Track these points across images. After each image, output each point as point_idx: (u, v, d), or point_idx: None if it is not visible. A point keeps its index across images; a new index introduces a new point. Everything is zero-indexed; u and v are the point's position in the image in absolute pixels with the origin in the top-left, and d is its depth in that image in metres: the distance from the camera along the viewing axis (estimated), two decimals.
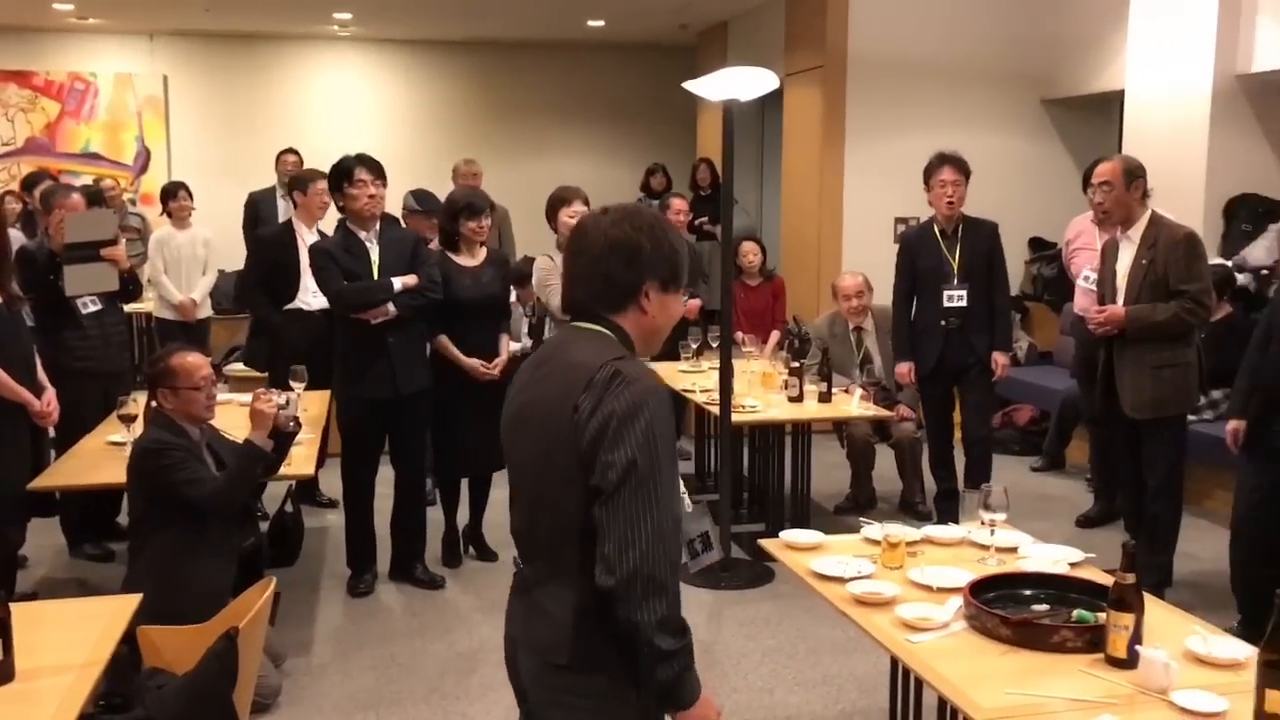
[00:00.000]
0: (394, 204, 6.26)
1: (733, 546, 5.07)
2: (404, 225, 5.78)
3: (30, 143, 10.85)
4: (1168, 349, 4.49)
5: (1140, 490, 4.68)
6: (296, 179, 5.96)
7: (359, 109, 11.55)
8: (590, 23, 10.33)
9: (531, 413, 2.00)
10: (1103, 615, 2.32)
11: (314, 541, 5.44)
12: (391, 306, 4.61)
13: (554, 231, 5.26)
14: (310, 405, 4.84)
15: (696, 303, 6.55)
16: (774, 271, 7.28)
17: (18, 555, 4.58)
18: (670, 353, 6.21)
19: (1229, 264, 5.77)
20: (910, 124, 7.79)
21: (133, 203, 10.42)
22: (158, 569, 3.42)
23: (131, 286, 5.28)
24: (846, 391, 5.52)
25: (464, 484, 5.25)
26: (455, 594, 4.90)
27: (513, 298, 5.58)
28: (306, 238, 5.61)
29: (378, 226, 4.72)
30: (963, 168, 5.32)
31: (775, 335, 6.80)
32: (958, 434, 5.63)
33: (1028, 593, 2.61)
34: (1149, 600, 2.45)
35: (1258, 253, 5.56)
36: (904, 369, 5.51)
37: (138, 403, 4.16)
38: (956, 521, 4.01)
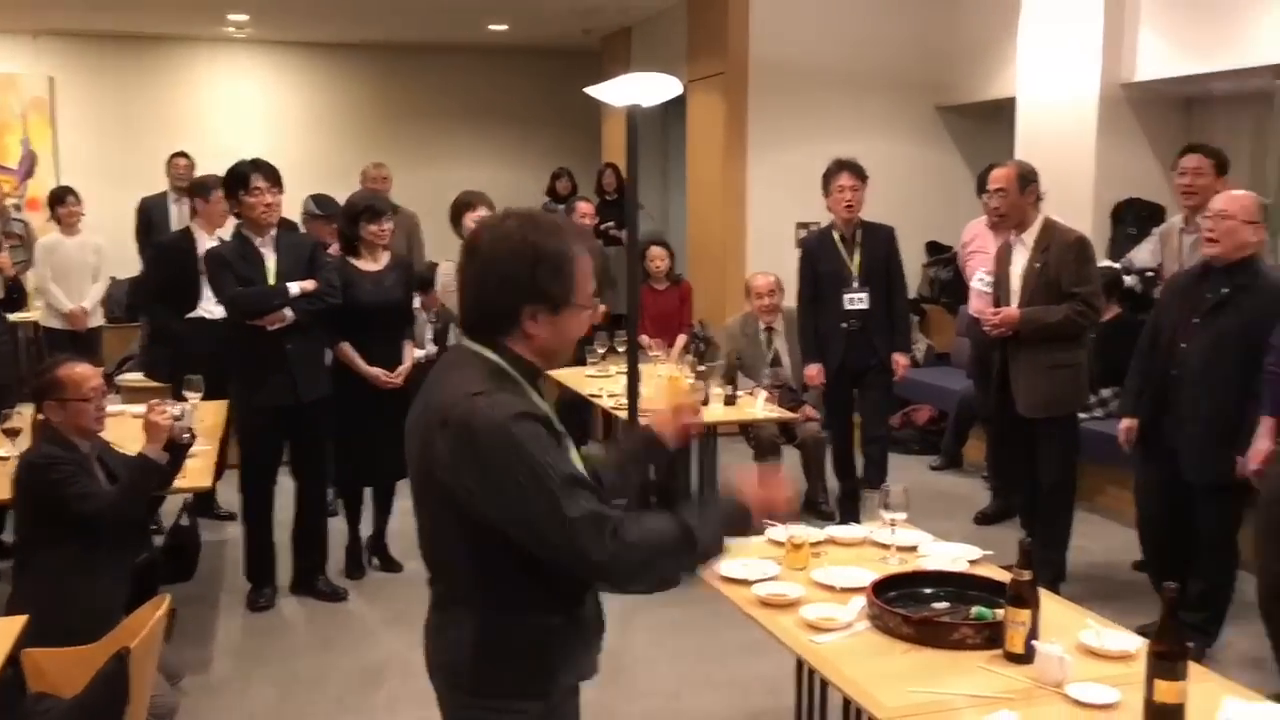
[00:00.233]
0: (295, 209, 6.15)
1: None
2: (304, 230, 5.67)
3: None
4: (1060, 350, 4.61)
5: (1035, 487, 4.80)
6: (198, 185, 5.81)
7: (256, 112, 11.30)
8: (491, 26, 10.27)
9: (411, 437, 1.95)
10: (1001, 612, 2.38)
11: (212, 555, 5.29)
12: (289, 312, 4.51)
13: (459, 237, 5.21)
14: (206, 415, 4.70)
15: (602, 309, 6.54)
16: (681, 276, 7.33)
17: None
18: (577, 358, 6.20)
19: (1117, 266, 5.96)
20: (811, 130, 7.90)
21: (17, 208, 10.03)
22: (45, 588, 3.29)
23: (15, 295, 5.08)
24: (751, 394, 5.57)
25: (367, 493, 5.16)
26: (359, 606, 4.81)
27: (417, 304, 5.52)
28: (206, 244, 5.46)
29: (274, 232, 4.62)
30: (860, 174, 5.42)
31: (681, 339, 6.83)
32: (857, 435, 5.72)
33: (928, 591, 2.66)
34: (1045, 595, 2.51)
35: (1143, 255, 5.75)
36: (813, 370, 5.58)
37: (23, 416, 4.00)
38: (859, 521, 4.08)
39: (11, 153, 10.62)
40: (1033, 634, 2.29)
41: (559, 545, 1.81)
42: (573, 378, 5.90)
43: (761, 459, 5.99)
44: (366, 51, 11.49)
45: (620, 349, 5.65)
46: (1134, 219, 6.43)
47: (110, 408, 3.64)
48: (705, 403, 5.31)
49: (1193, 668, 2.12)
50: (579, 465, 1.91)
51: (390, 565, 5.17)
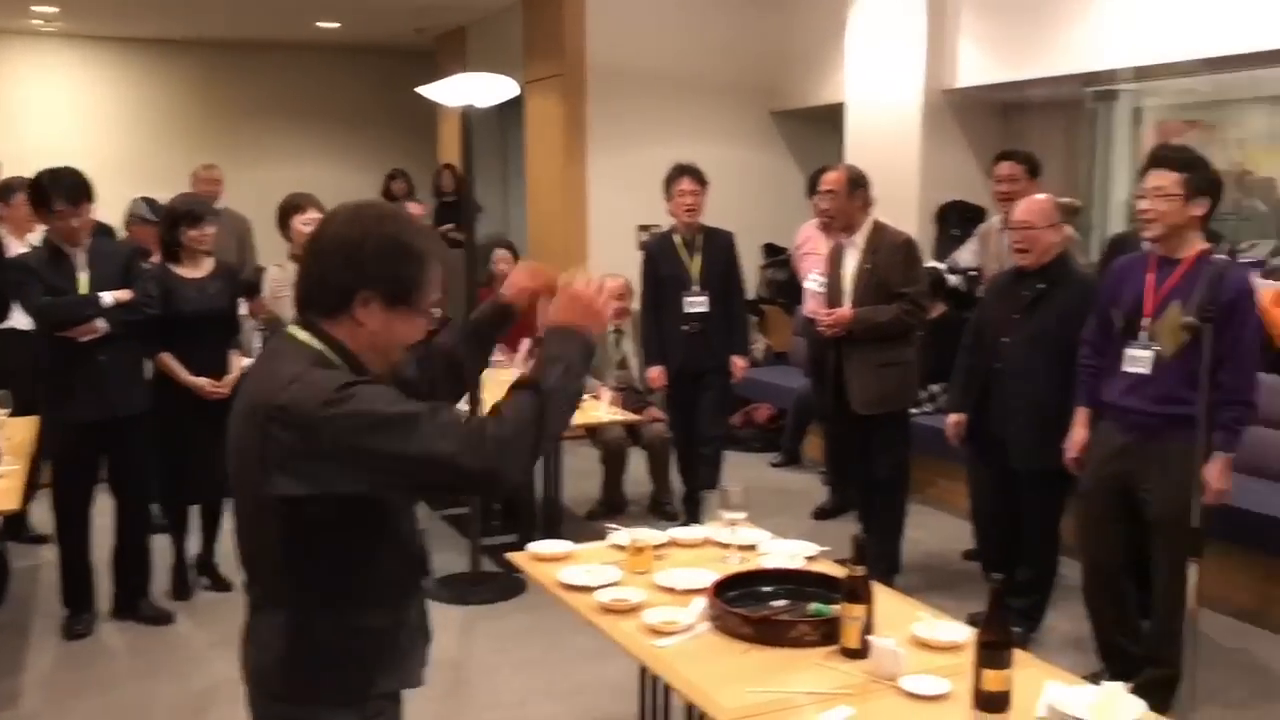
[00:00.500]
0: (113, 212, 5.83)
1: (483, 559, 4.99)
2: (129, 234, 5.38)
3: None
4: (890, 348, 4.74)
5: (870, 481, 4.92)
6: (1, 188, 5.45)
7: (70, 110, 10.69)
8: (321, 24, 9.98)
9: (232, 430, 1.85)
10: (837, 607, 2.41)
11: (23, 582, 4.97)
12: (102, 323, 4.26)
13: (287, 240, 5.03)
14: (15, 432, 4.40)
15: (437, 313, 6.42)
16: None
17: None
18: None
19: (942, 267, 6.18)
20: (650, 133, 7.95)
21: None
22: None
23: None
24: (597, 396, 5.55)
25: (194, 510, 4.92)
26: (187, 629, 4.58)
27: (243, 310, 5.30)
28: (16, 250, 5.12)
29: (88, 240, 4.35)
30: (701, 179, 5.47)
31: (526, 343, 6.74)
32: None
33: (768, 589, 2.68)
34: (879, 589, 2.55)
35: (965, 255, 5.98)
36: (655, 373, 5.59)
37: None
38: (701, 522, 4.11)
39: None
40: (867, 628, 2.33)
41: (448, 481, 1.79)
42: None
43: (607, 462, 5.99)
44: (190, 48, 11.02)
45: None
46: (957, 220, 6.69)
47: None
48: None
49: (1018, 654, 2.18)
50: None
51: (220, 584, 4.94)
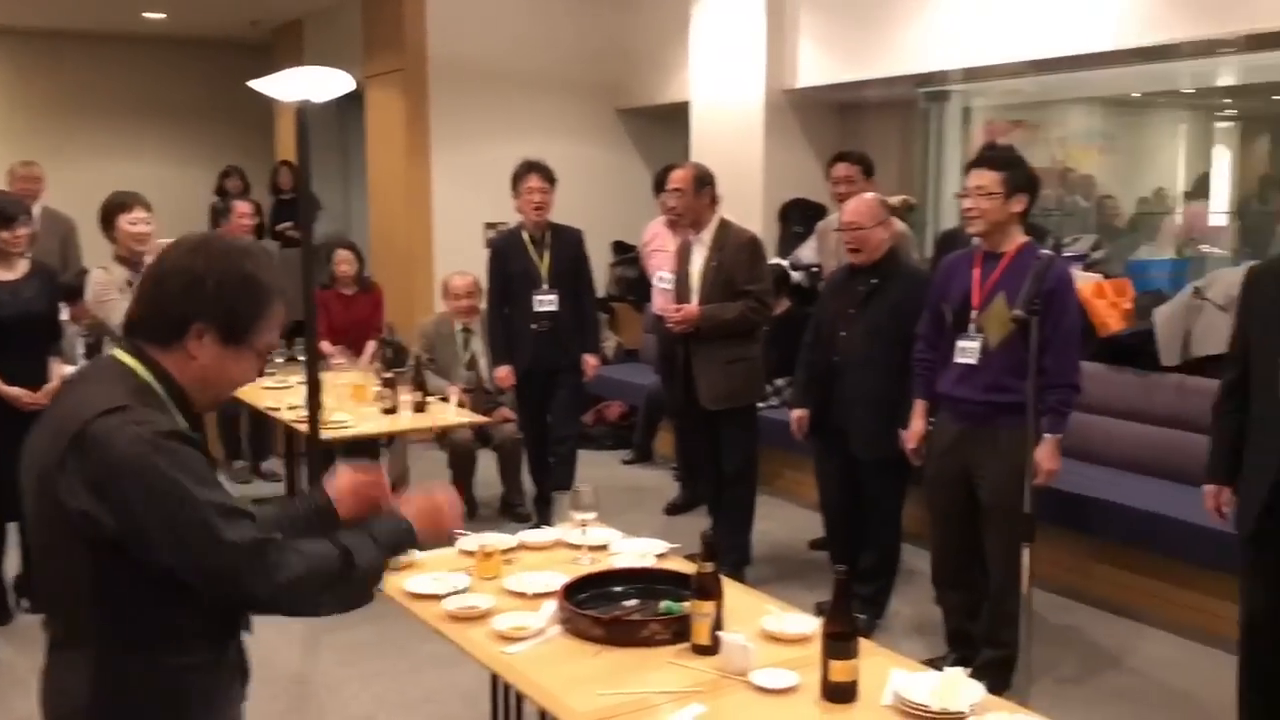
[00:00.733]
0: None
1: None
2: None
3: None
4: (737, 344, 4.80)
5: (720, 476, 4.97)
6: None
7: None
8: (147, 15, 9.53)
9: (32, 453, 1.74)
10: (688, 605, 2.41)
11: None
12: None
13: (111, 242, 4.77)
14: None
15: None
16: (371, 280, 7.02)
17: None
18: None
19: (785, 263, 6.30)
20: (496, 130, 7.86)
21: None
22: None
23: None
24: (444, 399, 5.45)
25: (12, 527, 4.63)
26: (6, 654, 4.31)
27: (65, 315, 5.00)
28: None
29: None
30: (549, 176, 5.43)
31: (371, 345, 6.59)
32: None
33: (619, 589, 2.66)
34: (729, 584, 2.56)
35: (807, 253, 6.12)
36: (503, 372, 5.52)
37: None
38: (552, 523, 4.07)
39: None
40: (717, 625, 2.34)
41: (216, 573, 1.66)
42: (248, 390, 5.55)
43: (455, 466, 5.89)
44: (4, 37, 10.37)
45: (301, 357, 5.36)
46: (799, 218, 6.83)
47: None
48: (394, 410, 5.15)
49: (863, 644, 2.22)
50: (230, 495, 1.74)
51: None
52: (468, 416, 5.32)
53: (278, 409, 5.26)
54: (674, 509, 6.04)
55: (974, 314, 3.69)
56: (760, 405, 5.22)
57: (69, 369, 4.44)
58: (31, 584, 4.68)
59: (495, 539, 2.97)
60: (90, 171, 9.79)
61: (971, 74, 6.40)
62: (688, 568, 2.71)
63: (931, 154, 6.99)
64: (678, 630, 2.39)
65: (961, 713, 2.02)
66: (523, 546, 3.08)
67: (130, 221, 4.64)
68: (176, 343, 1.73)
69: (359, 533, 1.86)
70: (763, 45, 6.86)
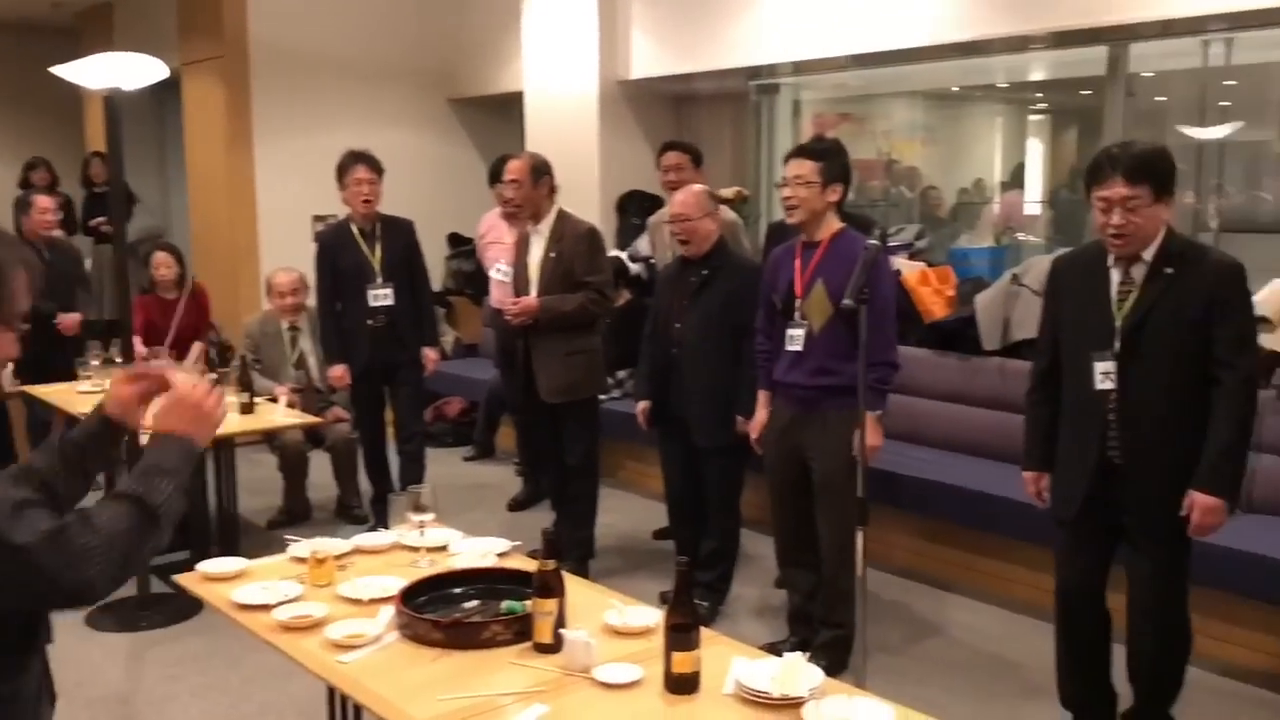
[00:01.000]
0: None
1: (152, 580, 4.61)
2: None
3: None
4: (577, 337, 4.77)
5: (563, 469, 4.94)
6: None
7: None
8: None
9: None
10: (530, 603, 2.37)
11: None
12: None
13: None
14: None
15: (75, 317, 5.94)
16: (195, 281, 6.64)
17: None
18: (67, 372, 5.54)
19: (624, 255, 6.31)
20: (323, 119, 7.63)
21: None
22: None
23: None
24: (273, 400, 5.25)
25: None
26: None
27: None
28: None
29: None
30: (377, 166, 5.29)
31: (197, 347, 6.26)
32: (391, 433, 5.60)
33: (458, 591, 2.60)
34: (572, 580, 2.54)
35: (644, 244, 6.13)
36: (338, 371, 5.35)
37: None
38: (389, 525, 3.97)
39: None
40: (560, 622, 2.30)
41: (21, 582, 1.52)
42: (64, 395, 5.24)
43: (286, 469, 5.69)
44: None
45: (120, 360, 5.08)
46: (637, 209, 6.85)
47: None
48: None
49: (705, 633, 2.23)
50: (14, 487, 1.61)
51: None
52: (298, 417, 5.13)
53: None
54: (517, 505, 5.99)
55: (798, 302, 3.81)
56: (602, 397, 5.21)
57: None
58: None
59: (328, 544, 2.86)
60: None
61: (799, 67, 6.54)
62: (530, 565, 2.67)
63: (763, 146, 7.11)
64: (520, 630, 2.35)
65: (801, 698, 2.05)
66: (358, 551, 2.98)
67: None
68: None
69: (139, 474, 1.70)
70: (595, 36, 6.85)
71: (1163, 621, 3.10)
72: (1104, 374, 2.98)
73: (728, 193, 6.47)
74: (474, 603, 2.56)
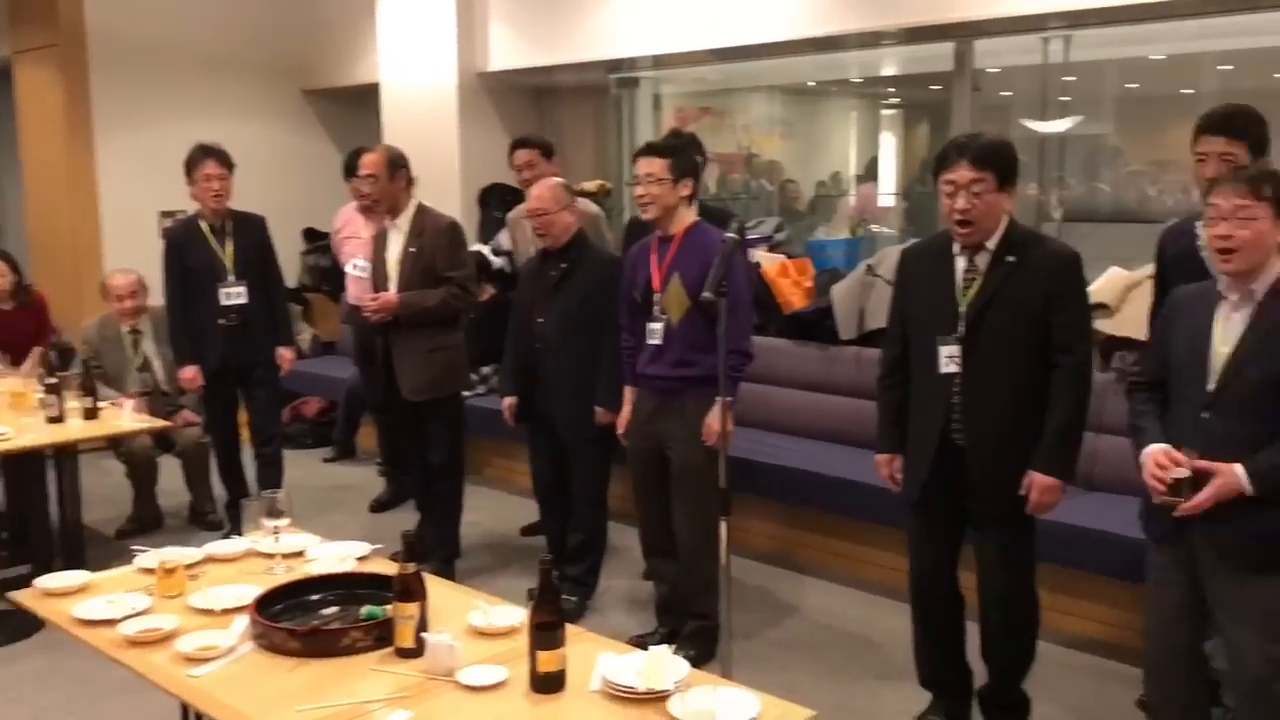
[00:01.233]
0: None
1: None
2: None
3: None
4: (439, 333, 4.69)
5: (426, 468, 4.86)
6: None
7: None
8: None
9: None
10: (391, 608, 2.31)
11: None
12: None
13: None
14: None
15: None
16: (32, 289, 6.24)
17: None
18: None
19: (486, 250, 6.24)
20: (170, 112, 7.34)
21: None
22: None
23: None
24: (117, 405, 5.02)
25: None
26: None
27: None
28: None
29: None
30: (227, 161, 5.12)
31: (36, 351, 5.92)
32: (245, 435, 5.43)
33: (317, 598, 2.54)
34: (435, 582, 2.50)
35: (505, 238, 6.08)
36: (189, 373, 5.15)
37: None
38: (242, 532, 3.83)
39: None
40: (422, 625, 2.26)
41: None
42: None
43: (134, 476, 5.46)
44: None
45: None
46: (499, 203, 6.77)
47: None
48: (61, 418, 4.69)
49: (571, 629, 2.22)
50: None
51: None
52: (146, 422, 4.92)
53: None
54: (380, 506, 5.87)
55: (657, 296, 3.85)
56: (466, 394, 5.14)
57: None
58: None
59: (177, 553, 2.76)
60: None
61: (659, 61, 6.56)
62: (391, 569, 2.62)
63: (625, 139, 7.12)
64: (380, 635, 2.30)
65: (667, 691, 2.05)
66: (210, 559, 2.88)
67: None
68: None
69: None
70: (453, 27, 6.75)
71: (1011, 599, 3.21)
72: (949, 358, 3.07)
73: (590, 186, 6.46)
74: (332, 609, 2.50)
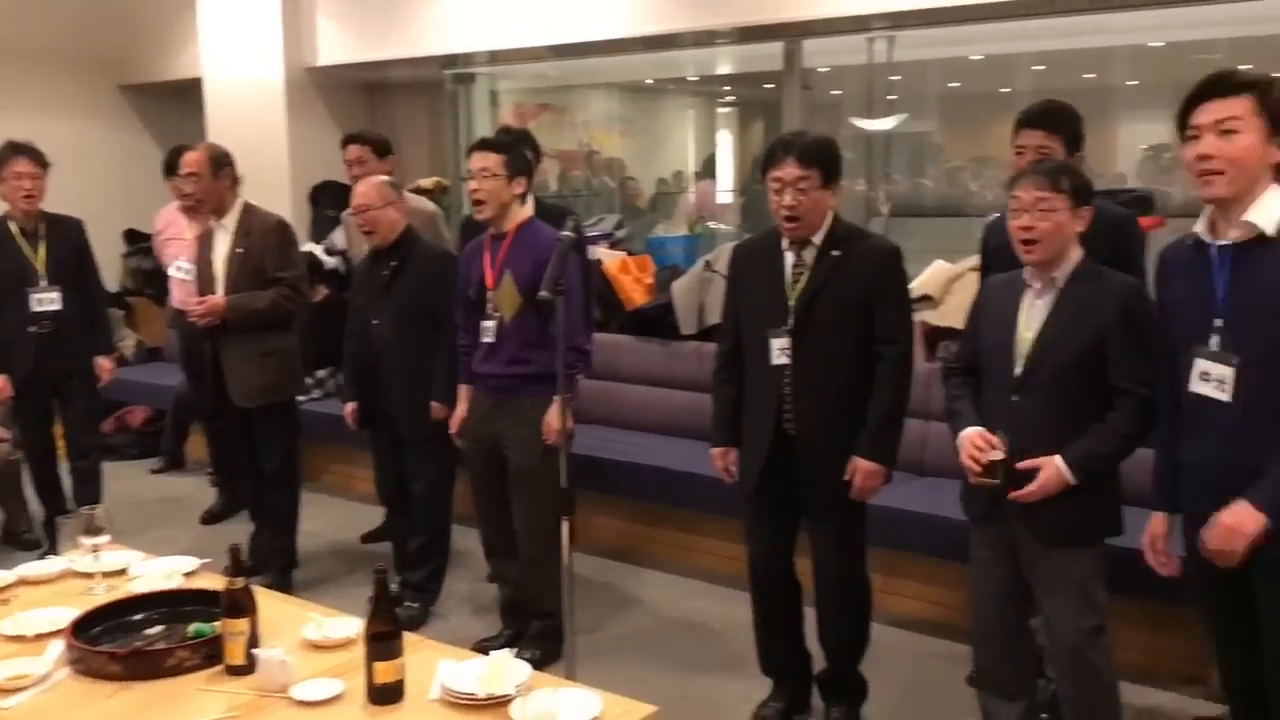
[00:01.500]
0: None
1: None
2: None
3: None
4: (270, 336, 4.54)
5: (260, 477, 4.70)
6: None
7: None
8: None
9: None
10: (219, 625, 2.23)
11: None
12: None
13: None
14: None
15: None
16: None
17: None
18: None
19: (318, 249, 6.07)
20: None
21: None
22: None
23: None
24: None
25: None
26: None
27: None
28: None
29: None
30: (40, 159, 4.84)
31: None
32: (62, 449, 5.15)
33: (140, 617, 2.43)
34: (266, 595, 2.43)
35: (339, 237, 5.93)
36: None
37: None
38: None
39: None
40: (253, 641, 2.19)
41: None
42: None
43: None
44: None
45: None
46: (331, 201, 6.60)
47: None
48: None
49: (410, 638, 2.18)
50: None
51: None
52: None
53: None
54: (212, 517, 5.64)
55: (490, 294, 3.82)
56: (300, 399, 5.00)
57: None
58: None
59: None
60: None
61: (495, 57, 6.51)
62: (221, 584, 2.52)
63: (461, 135, 7.05)
64: (209, 654, 2.22)
65: (508, 695, 2.04)
66: (22, 582, 2.73)
67: None
68: None
69: None
70: (278, 19, 6.55)
71: (845, 584, 3.31)
72: (780, 349, 3.15)
73: (427, 183, 6.37)
74: (157, 629, 2.40)
